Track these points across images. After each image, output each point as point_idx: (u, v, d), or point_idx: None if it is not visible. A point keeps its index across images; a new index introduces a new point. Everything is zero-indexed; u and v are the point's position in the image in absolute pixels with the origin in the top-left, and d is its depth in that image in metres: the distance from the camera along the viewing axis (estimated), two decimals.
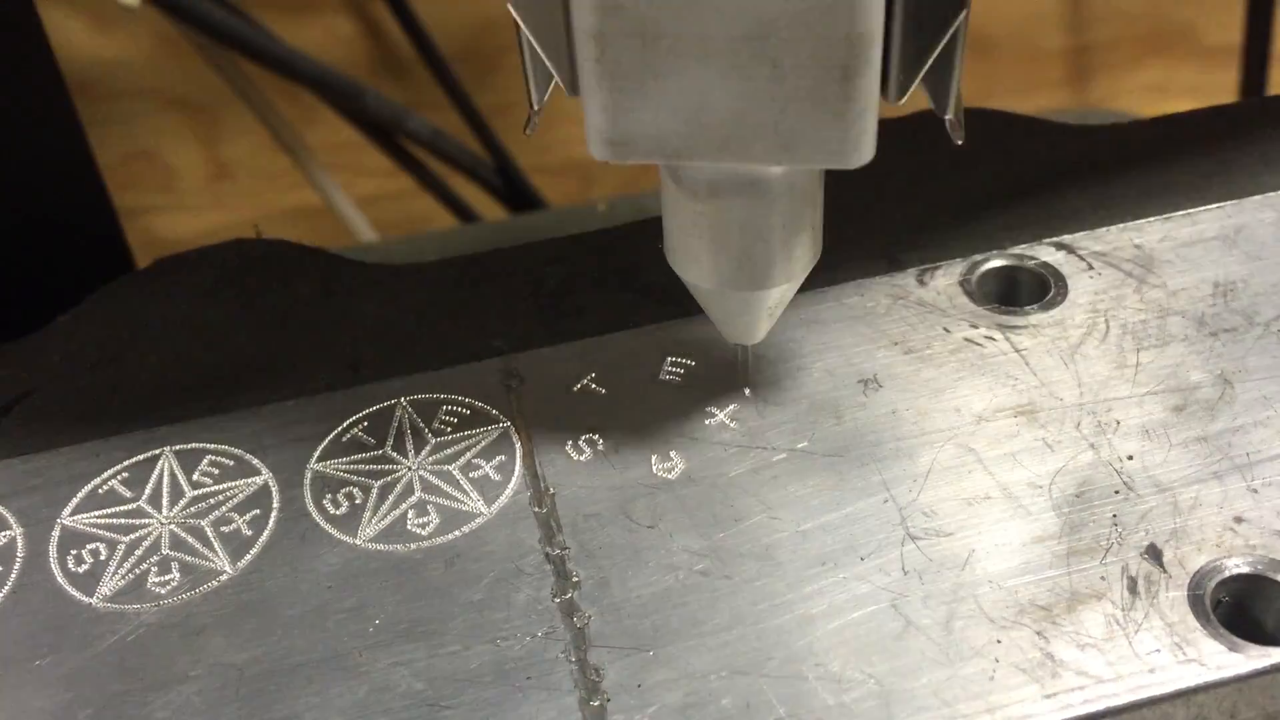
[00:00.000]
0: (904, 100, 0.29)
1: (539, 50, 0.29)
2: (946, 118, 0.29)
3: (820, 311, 0.39)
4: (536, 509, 0.34)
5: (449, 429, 0.37)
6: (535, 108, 0.31)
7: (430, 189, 0.81)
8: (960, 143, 0.30)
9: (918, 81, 0.29)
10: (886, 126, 0.45)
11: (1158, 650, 0.30)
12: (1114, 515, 0.33)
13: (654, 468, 0.35)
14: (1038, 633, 0.30)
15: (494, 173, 0.81)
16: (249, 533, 0.34)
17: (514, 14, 0.29)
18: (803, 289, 0.39)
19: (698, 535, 0.33)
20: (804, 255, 0.33)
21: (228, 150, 0.86)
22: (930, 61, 0.28)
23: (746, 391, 0.36)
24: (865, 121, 0.28)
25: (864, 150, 0.29)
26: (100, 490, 0.36)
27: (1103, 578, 0.31)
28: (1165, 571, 0.31)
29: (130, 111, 0.82)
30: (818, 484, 0.34)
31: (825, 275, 0.40)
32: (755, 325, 0.34)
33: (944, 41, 0.28)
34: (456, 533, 0.34)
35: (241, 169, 0.86)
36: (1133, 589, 0.31)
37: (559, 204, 0.84)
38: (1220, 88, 0.88)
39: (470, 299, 0.41)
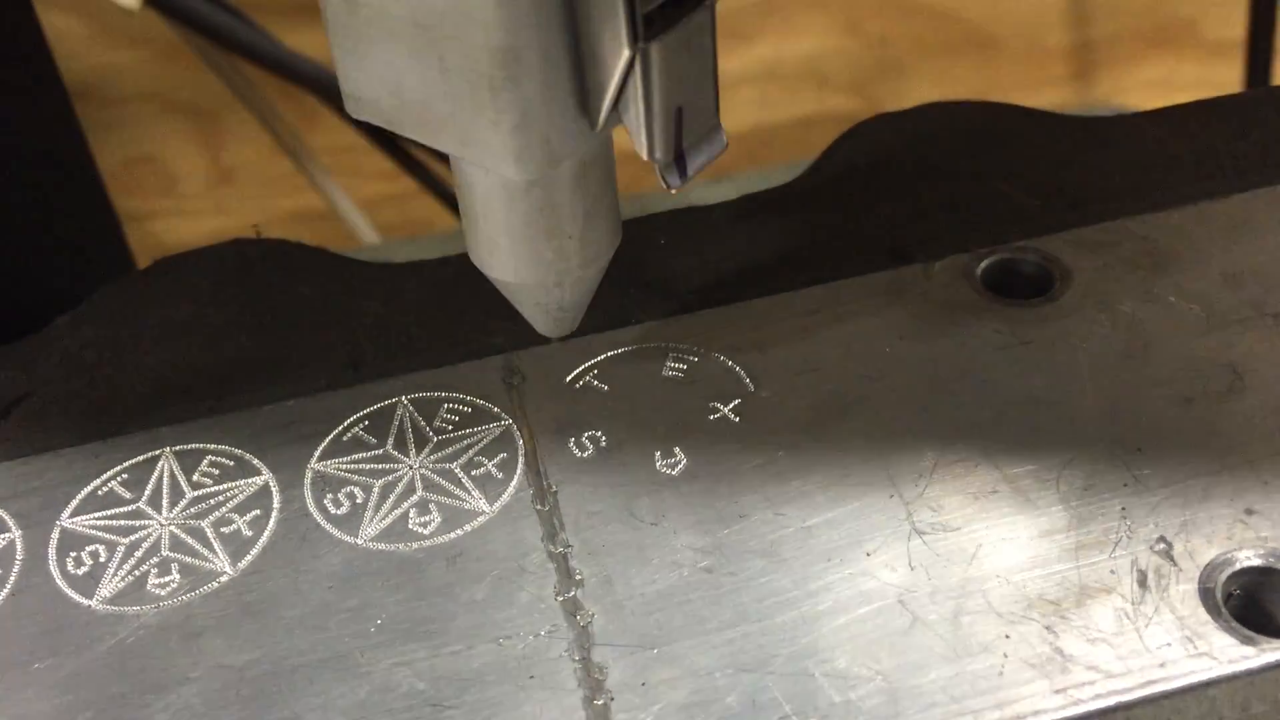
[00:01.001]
0: (600, 129, 0.28)
1: None
2: (653, 160, 0.28)
3: (824, 305, 0.39)
4: (539, 507, 0.34)
5: (450, 427, 0.36)
6: None
7: (433, 191, 0.81)
8: (673, 190, 0.29)
9: (606, 113, 0.27)
10: (888, 119, 0.46)
11: (1169, 644, 0.29)
12: (1123, 508, 0.32)
13: (657, 464, 0.35)
14: (1047, 627, 0.30)
15: None
16: (249, 533, 0.34)
17: None
18: (806, 283, 0.39)
19: (701, 532, 0.33)
20: (572, 252, 0.31)
21: (230, 154, 0.86)
22: (612, 97, 0.27)
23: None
24: (526, 136, 0.27)
25: (527, 164, 0.28)
26: (100, 492, 0.35)
27: (1112, 571, 0.31)
28: (1175, 565, 0.31)
29: (132, 116, 0.82)
30: (822, 479, 0.34)
31: (829, 269, 0.40)
32: (553, 320, 0.33)
33: (616, 79, 0.27)
34: (458, 531, 0.34)
35: (244, 173, 0.86)
36: (1143, 582, 0.31)
37: None
38: (1224, 83, 0.88)
39: (470, 296, 0.41)
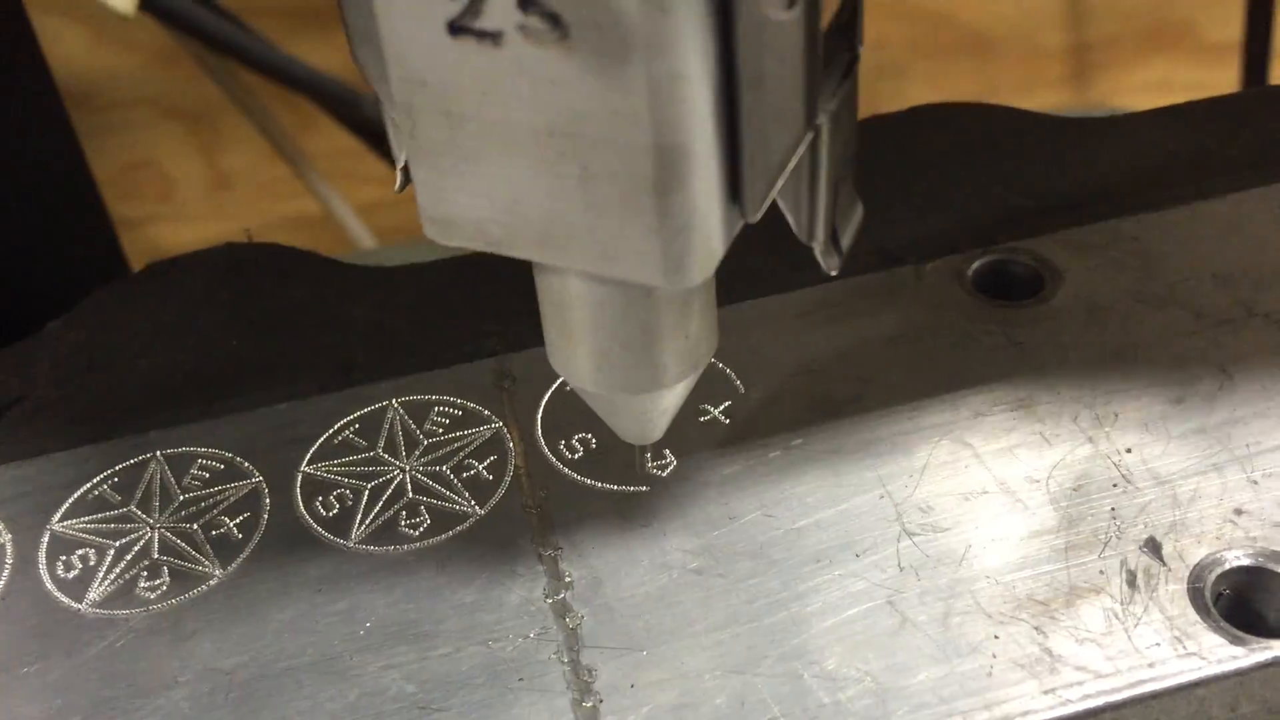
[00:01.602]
0: (758, 218, 0.25)
1: (387, 110, 0.26)
2: (813, 245, 0.26)
3: (815, 307, 0.39)
4: (529, 509, 0.34)
5: (441, 430, 0.36)
6: (398, 166, 0.27)
7: None
8: (833, 274, 0.27)
9: (770, 199, 0.25)
10: (880, 121, 0.46)
11: (1158, 644, 0.29)
12: (1112, 509, 0.32)
13: (647, 466, 0.35)
14: (1036, 628, 0.30)
15: None
16: (239, 536, 0.34)
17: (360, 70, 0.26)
18: (797, 285, 0.39)
19: (691, 534, 0.33)
20: (687, 353, 0.29)
21: (226, 159, 0.86)
22: (779, 183, 0.25)
23: (645, 488, 0.34)
24: (687, 240, 0.24)
25: (689, 271, 0.24)
26: (90, 496, 0.35)
27: (1101, 571, 0.31)
28: (1165, 565, 0.31)
29: (129, 121, 0.82)
30: (813, 481, 0.34)
31: (820, 271, 0.39)
32: (650, 425, 0.31)
33: (791, 163, 0.24)
34: (448, 534, 0.34)
35: (240, 178, 0.86)
36: (1132, 583, 0.30)
37: None
38: (1221, 84, 0.88)
39: (462, 299, 0.41)
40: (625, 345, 0.28)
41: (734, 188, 0.24)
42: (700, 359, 0.29)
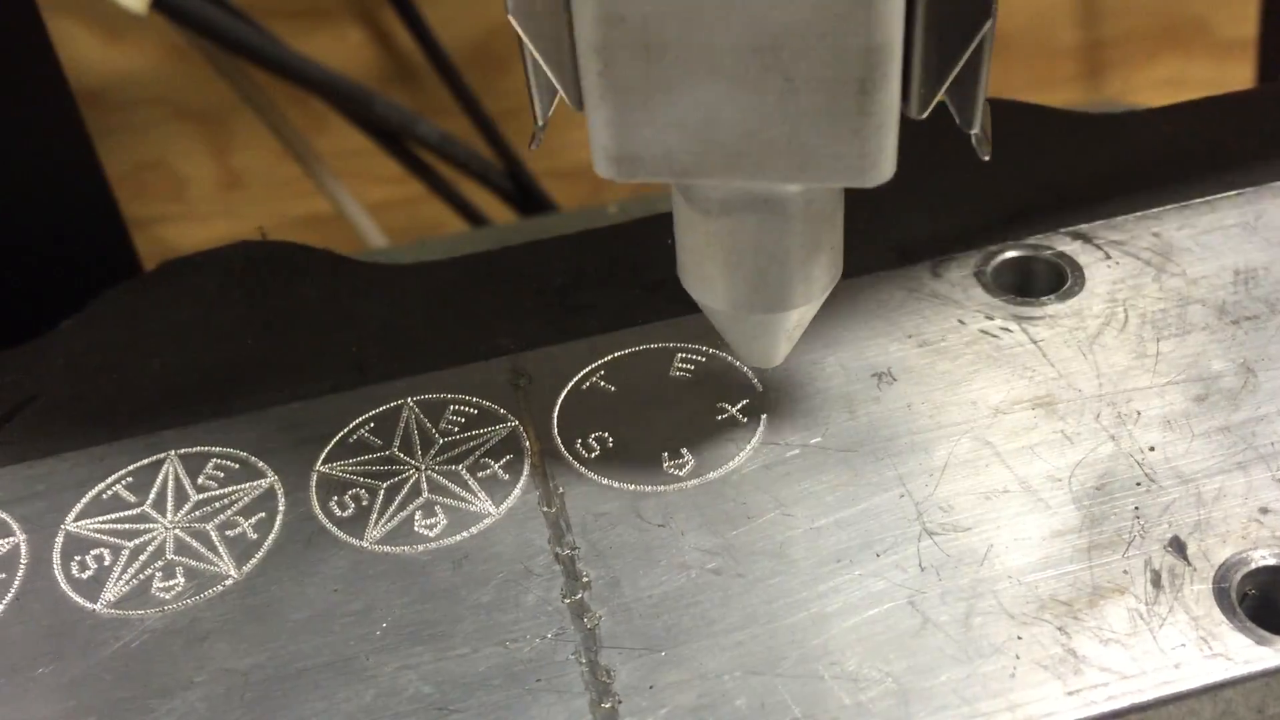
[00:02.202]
0: (926, 114, 0.27)
1: (542, 63, 0.28)
2: (972, 132, 0.28)
3: (833, 305, 0.38)
4: (545, 509, 0.34)
5: (456, 429, 0.36)
6: (540, 123, 0.29)
7: (441, 194, 0.81)
8: (986, 158, 0.29)
9: (941, 94, 0.27)
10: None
11: (1183, 645, 0.29)
12: (1136, 508, 0.32)
13: (664, 465, 0.34)
14: (1059, 628, 0.29)
15: (504, 177, 0.80)
16: (254, 536, 0.34)
17: (516, 27, 0.28)
18: None
19: (709, 533, 0.33)
20: (823, 276, 0.31)
21: (238, 159, 0.85)
22: (954, 73, 0.27)
23: (662, 487, 0.34)
24: (883, 138, 0.26)
25: (883, 168, 0.27)
26: (104, 495, 0.35)
27: (1125, 571, 0.30)
28: (1189, 564, 0.30)
29: (140, 121, 0.82)
30: (832, 480, 0.33)
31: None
32: (774, 348, 0.33)
33: (968, 53, 0.26)
34: (464, 534, 0.33)
35: (252, 177, 0.86)
36: (1156, 583, 0.30)
37: (570, 208, 0.84)
38: (1236, 81, 0.87)
39: (476, 298, 0.40)
40: (761, 265, 0.30)
41: (905, 86, 0.27)
42: (829, 282, 0.31)
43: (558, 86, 0.28)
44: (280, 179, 0.85)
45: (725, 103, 0.26)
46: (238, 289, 0.41)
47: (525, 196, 0.81)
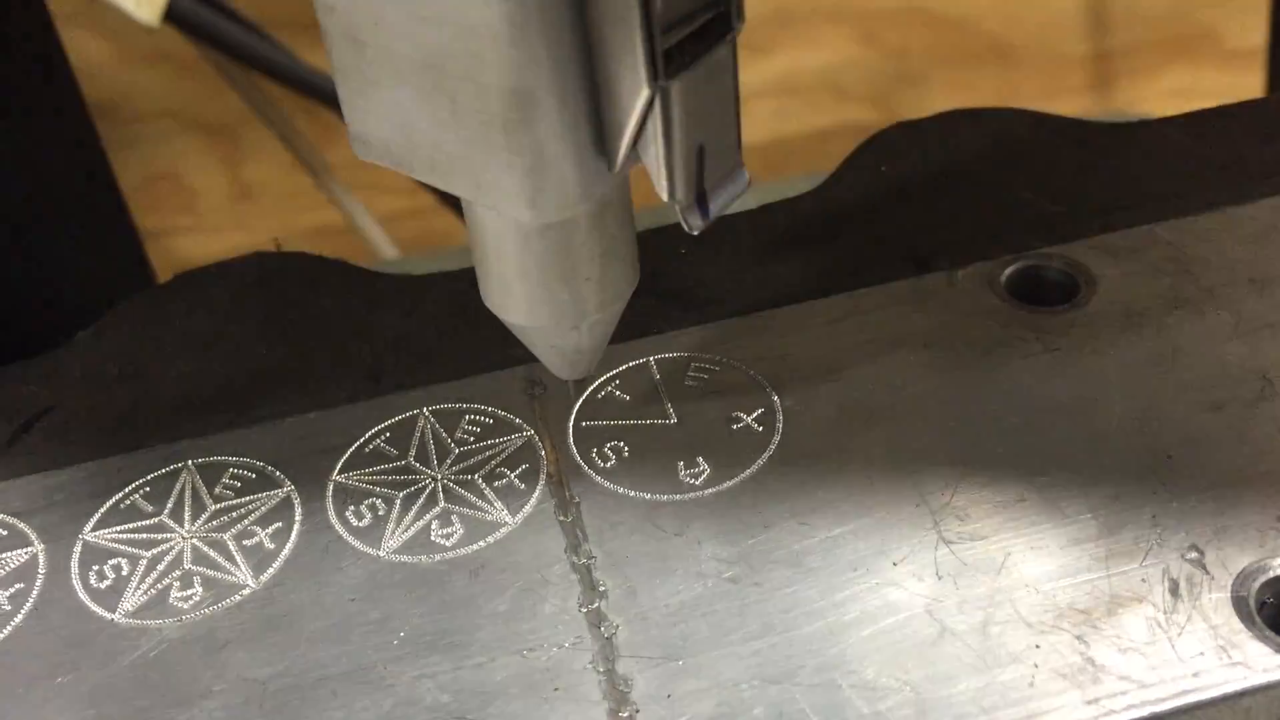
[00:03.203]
0: (618, 169, 0.26)
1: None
2: (673, 202, 0.27)
3: (847, 314, 0.38)
4: (562, 518, 0.34)
5: (472, 438, 0.36)
6: None
7: (452, 205, 0.81)
8: (694, 232, 0.27)
9: (624, 154, 0.26)
10: (910, 127, 0.45)
11: (1202, 653, 0.29)
12: (1153, 516, 0.32)
13: (680, 474, 0.34)
14: (1077, 637, 0.29)
15: None
16: (271, 546, 0.34)
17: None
18: (829, 291, 0.39)
19: (726, 542, 0.33)
20: (585, 297, 0.30)
21: (249, 170, 0.86)
22: (629, 139, 0.26)
23: (678, 495, 0.34)
24: (541, 178, 0.26)
25: (543, 207, 0.26)
26: (122, 505, 0.35)
27: (1143, 580, 0.30)
28: (1208, 573, 0.30)
29: (152, 134, 0.83)
30: (847, 488, 0.33)
31: (852, 278, 0.39)
32: (568, 361, 0.32)
33: (633, 122, 0.25)
34: (481, 543, 0.33)
35: (263, 189, 0.87)
36: (1174, 591, 0.30)
37: None
38: (1245, 91, 0.87)
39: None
40: (524, 278, 0.30)
41: (601, 140, 0.26)
42: (605, 303, 0.31)
43: None
44: (291, 191, 0.86)
45: (413, 109, 0.26)
46: (253, 300, 0.42)
47: None
